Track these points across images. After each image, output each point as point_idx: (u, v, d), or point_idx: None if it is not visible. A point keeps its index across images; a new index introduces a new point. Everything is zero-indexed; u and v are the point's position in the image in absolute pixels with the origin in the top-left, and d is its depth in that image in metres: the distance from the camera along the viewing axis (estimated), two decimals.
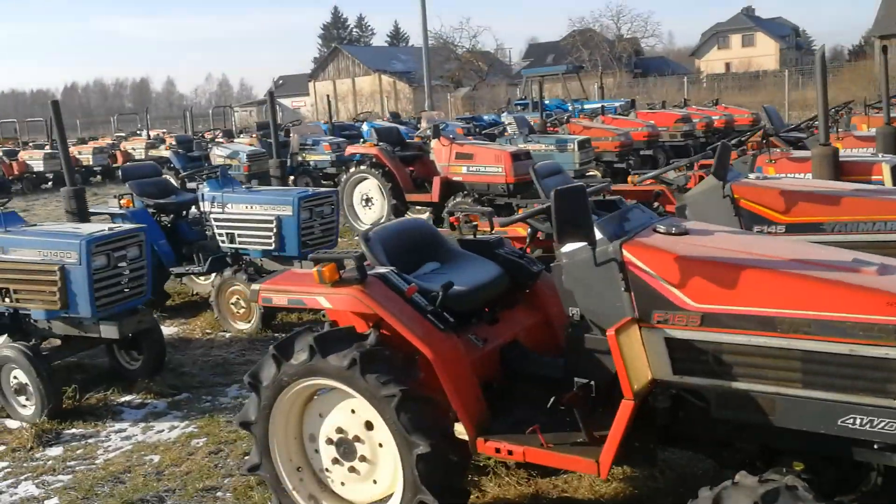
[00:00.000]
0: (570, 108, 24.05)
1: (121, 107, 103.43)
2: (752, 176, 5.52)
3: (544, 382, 3.74)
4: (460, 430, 3.50)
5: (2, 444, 5.35)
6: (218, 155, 15.87)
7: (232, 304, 7.45)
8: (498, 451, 3.37)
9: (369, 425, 3.60)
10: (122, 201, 8.07)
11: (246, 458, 4.79)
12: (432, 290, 3.66)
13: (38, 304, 5.76)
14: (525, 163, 11.18)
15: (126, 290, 5.82)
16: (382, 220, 11.87)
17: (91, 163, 24.17)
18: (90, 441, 5.32)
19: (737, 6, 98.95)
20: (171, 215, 8.38)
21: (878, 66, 40.93)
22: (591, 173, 13.01)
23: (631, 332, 3.07)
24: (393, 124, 18.07)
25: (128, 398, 5.99)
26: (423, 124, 20.90)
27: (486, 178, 11.16)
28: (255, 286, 3.87)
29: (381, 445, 3.61)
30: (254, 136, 18.58)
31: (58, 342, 6.19)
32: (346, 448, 3.69)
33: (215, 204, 7.76)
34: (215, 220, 7.78)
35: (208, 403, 5.82)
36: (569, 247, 3.32)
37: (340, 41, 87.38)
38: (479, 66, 58.55)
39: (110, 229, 5.75)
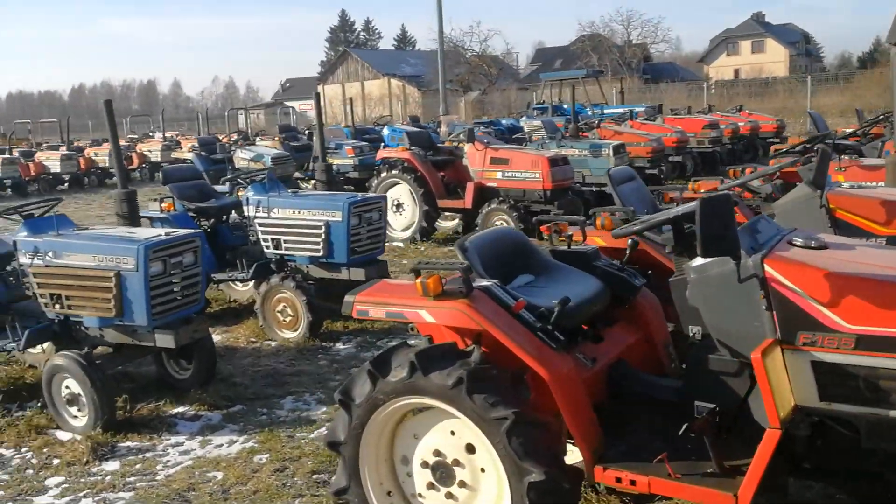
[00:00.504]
0: (589, 112, 23.85)
1: (128, 109, 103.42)
2: (845, 185, 5.31)
3: (654, 404, 3.53)
4: (570, 457, 3.29)
5: (55, 457, 5.14)
6: (242, 158, 15.74)
7: (278, 311, 7.25)
8: (618, 480, 3.15)
9: (470, 448, 3.39)
10: (163, 204, 7.88)
11: (314, 476, 4.64)
12: (538, 305, 3.45)
13: (90, 312, 5.57)
14: (563, 168, 11.01)
15: (181, 297, 5.62)
16: (414, 227, 11.68)
17: (108, 164, 23.97)
18: (147, 455, 5.11)
19: (746, 12, 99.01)
20: (212, 220, 8.18)
21: (894, 73, 40.66)
22: None
23: (774, 354, 2.86)
24: (421, 128, 17.89)
25: (180, 409, 5.78)
26: (443, 128, 20.77)
27: (523, 183, 10.97)
28: (348, 298, 3.64)
29: (482, 470, 3.39)
30: (276, 138, 18.41)
31: (108, 350, 5.97)
32: (443, 472, 3.47)
33: (260, 208, 7.57)
34: (260, 224, 7.59)
35: (265, 416, 5.61)
36: (697, 261, 3.11)
37: (348, 44, 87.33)
38: (489, 71, 58.34)
39: (167, 234, 5.54)
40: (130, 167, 24.79)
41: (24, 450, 5.29)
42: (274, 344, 7.20)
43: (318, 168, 8.29)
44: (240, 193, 8.35)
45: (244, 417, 5.61)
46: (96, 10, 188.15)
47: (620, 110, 23.27)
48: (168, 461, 5.02)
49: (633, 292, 3.91)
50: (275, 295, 7.24)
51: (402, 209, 11.90)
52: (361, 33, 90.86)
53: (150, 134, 33.82)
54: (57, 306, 5.68)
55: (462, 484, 3.43)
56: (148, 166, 25.41)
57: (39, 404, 5.87)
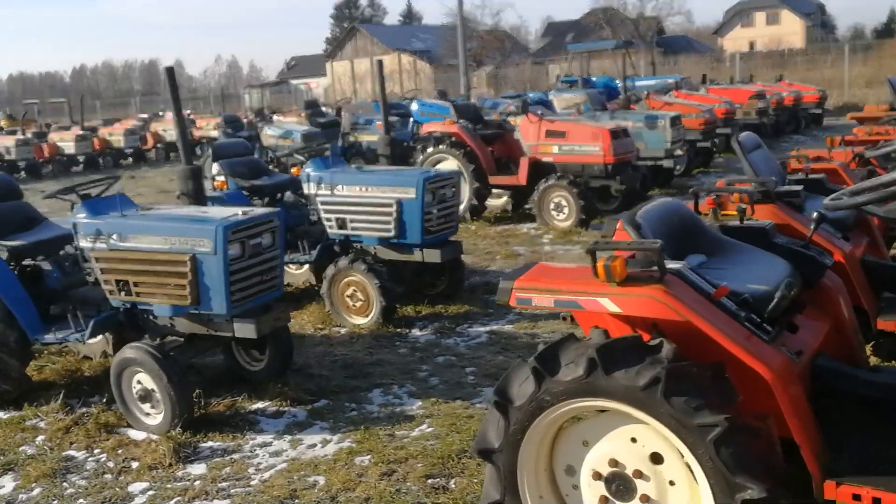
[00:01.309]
0: (619, 85, 23.18)
1: (130, 89, 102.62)
2: None
3: (863, 403, 3.02)
4: None
5: (133, 459, 4.66)
6: (270, 135, 15.19)
7: (347, 296, 6.74)
8: (857, 497, 2.64)
9: (657, 458, 2.89)
10: (215, 183, 7.36)
11: (430, 481, 4.14)
12: (738, 291, 2.93)
13: (162, 299, 5.06)
14: (624, 141, 10.46)
15: (260, 283, 5.11)
16: (463, 206, 11.12)
17: (123, 144, 23.49)
18: (234, 457, 4.62)
19: None
20: (267, 198, 7.66)
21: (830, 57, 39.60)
22: (678, 153, 12.23)
23: None
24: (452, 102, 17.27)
25: (260, 405, 5.30)
26: (475, 101, 20.13)
27: (582, 157, 10.42)
28: (504, 283, 3.12)
29: (671, 483, 2.90)
30: (302, 114, 17.83)
31: (178, 341, 5.47)
32: (620, 485, 2.97)
33: (322, 186, 7.04)
34: (322, 203, 7.07)
35: (355, 412, 5.12)
36: None
37: (352, 20, 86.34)
38: (503, 45, 57.48)
39: (244, 213, 5.02)
40: (145, 147, 24.37)
41: (96, 451, 4.82)
42: (343, 331, 6.70)
43: (382, 141, 7.75)
44: (295, 171, 7.82)
45: (332, 413, 5.12)
46: None
47: (652, 82, 22.63)
48: (259, 464, 4.53)
49: (822, 273, 3.38)
50: (343, 278, 6.73)
51: None
52: (367, 9, 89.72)
53: (161, 114, 33.23)
54: (123, 293, 5.18)
55: (645, 499, 2.93)
56: (163, 146, 24.90)
57: (105, 400, 5.43)
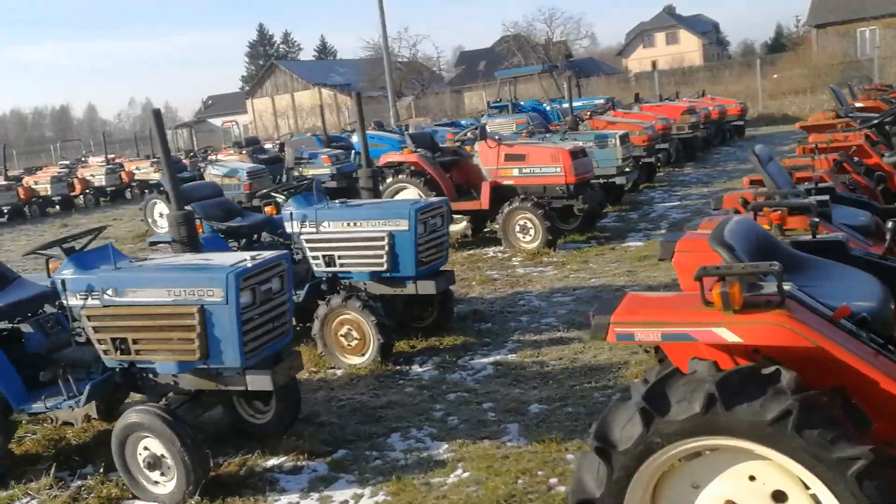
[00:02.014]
0: (548, 108, 23.43)
1: (41, 136, 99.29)
2: None
3: None
4: None
5: None
6: (214, 174, 14.73)
7: (342, 335, 6.47)
8: None
9: (779, 496, 2.74)
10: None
11: None
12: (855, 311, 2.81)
13: (166, 356, 4.71)
14: (584, 161, 10.48)
15: (271, 330, 4.81)
16: None
17: (49, 192, 22.54)
18: None
19: (658, 5, 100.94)
20: (244, 240, 7.34)
21: (816, 53, 41.39)
22: (628, 170, 12.35)
23: None
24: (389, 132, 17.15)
25: (274, 461, 4.97)
26: (410, 132, 20.02)
27: (542, 179, 10.39)
28: (599, 319, 2.92)
29: None
30: (243, 151, 17.40)
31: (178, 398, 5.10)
32: None
33: (307, 223, 6.77)
34: (308, 241, 6.80)
35: (379, 461, 4.84)
36: None
37: (268, 58, 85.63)
38: (421, 76, 57.77)
39: (252, 258, 4.72)
40: (73, 194, 23.47)
41: None
42: (340, 372, 6.42)
43: (363, 175, 7.49)
44: (269, 210, 7.52)
45: (355, 464, 4.83)
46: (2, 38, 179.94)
47: (579, 103, 22.92)
48: None
49: None
50: (336, 317, 6.46)
51: None
52: (281, 46, 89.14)
53: (84, 159, 32.13)
54: (120, 353, 4.80)
55: None
56: (92, 192, 24.03)
57: (102, 470, 5.03)
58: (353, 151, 17.89)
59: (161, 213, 15.43)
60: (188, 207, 7.25)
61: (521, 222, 10.12)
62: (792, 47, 61.80)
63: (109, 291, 4.75)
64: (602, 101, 23.29)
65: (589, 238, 10.52)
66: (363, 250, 6.56)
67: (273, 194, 7.14)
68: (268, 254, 4.86)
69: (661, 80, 47.14)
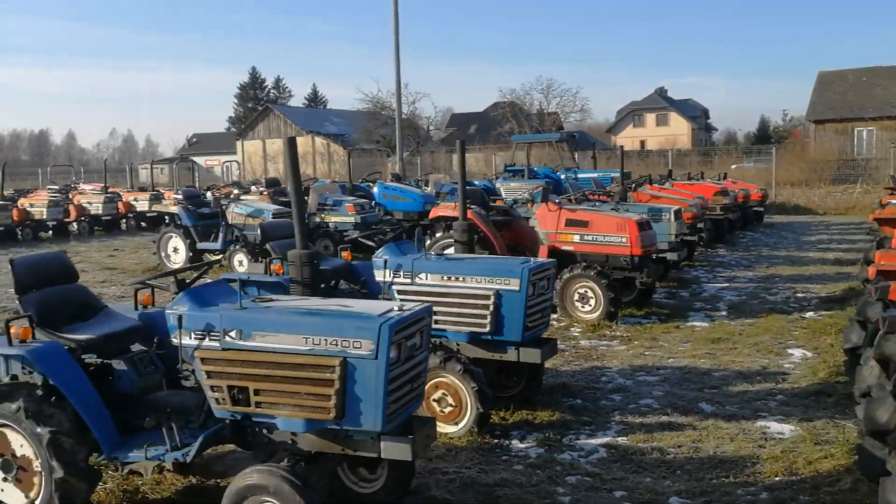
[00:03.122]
0: (562, 177, 23.29)
1: (17, 159, 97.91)
2: None
3: None
4: None
5: None
6: (238, 213, 14.19)
7: (435, 400, 5.93)
8: None
9: None
10: (273, 266, 6.47)
11: None
12: None
13: (292, 412, 4.16)
14: (649, 233, 10.14)
15: (410, 391, 4.30)
16: None
17: (45, 216, 21.78)
18: None
19: (649, 87, 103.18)
20: (323, 285, 6.80)
21: (813, 148, 42.19)
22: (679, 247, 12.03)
23: None
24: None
25: None
26: (431, 187, 19.72)
27: (606, 248, 10.00)
28: None
29: None
30: (264, 192, 16.90)
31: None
32: None
33: (401, 273, 6.28)
34: (400, 292, 6.29)
35: None
36: None
37: (258, 101, 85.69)
38: (417, 133, 57.90)
39: (400, 309, 4.23)
40: (67, 220, 22.74)
41: None
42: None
43: (459, 227, 7.04)
44: (346, 256, 7.04)
45: None
46: None
47: (595, 174, 22.79)
48: None
49: None
50: (430, 380, 5.91)
51: None
52: (272, 91, 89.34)
53: (74, 185, 31.40)
54: (236, 403, 4.25)
55: None
56: (87, 219, 23.33)
57: None
58: (374, 202, 17.50)
59: (175, 248, 14.83)
60: (268, 246, 6.78)
61: (582, 290, 9.69)
62: (778, 140, 63.22)
63: (233, 333, 4.22)
64: (616, 174, 23.25)
65: (648, 313, 10.10)
66: (464, 308, 6.08)
67: (362, 240, 6.65)
68: (414, 306, 4.36)
69: (654, 160, 47.75)
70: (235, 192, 16.96)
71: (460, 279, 6.11)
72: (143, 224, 24.58)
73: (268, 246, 6.82)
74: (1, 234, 20.77)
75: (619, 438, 5.82)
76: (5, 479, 4.49)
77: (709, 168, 35.35)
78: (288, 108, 69.73)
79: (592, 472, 5.22)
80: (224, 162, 32.73)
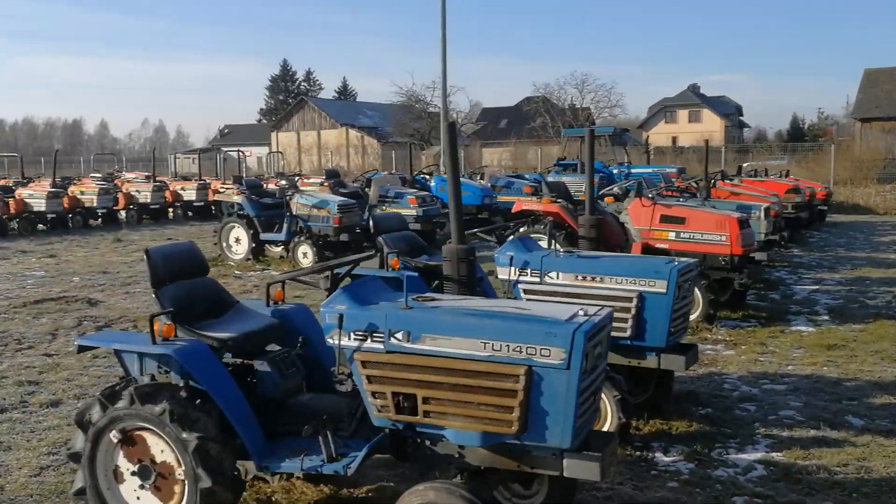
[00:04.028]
0: (615, 172, 22.82)
1: (50, 148, 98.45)
2: None
3: None
4: None
5: None
6: (302, 204, 13.83)
7: None
8: None
9: None
10: (390, 260, 6.10)
11: None
12: None
13: (466, 423, 3.76)
14: (749, 232, 9.65)
15: (592, 404, 3.90)
16: None
17: (95, 204, 21.62)
18: None
19: (682, 84, 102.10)
20: (436, 282, 6.43)
21: (859, 146, 41.48)
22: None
23: None
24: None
25: None
26: (486, 180, 19.33)
27: (704, 246, 9.52)
28: None
29: None
30: (325, 184, 16.57)
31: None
32: None
33: (529, 271, 5.89)
34: (526, 292, 5.90)
35: None
36: None
37: (288, 93, 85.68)
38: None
39: (584, 314, 3.81)
40: (116, 208, 22.58)
41: None
42: None
43: (586, 222, 6.63)
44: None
45: None
46: (11, 49, 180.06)
47: (648, 170, 22.29)
48: None
49: None
50: None
51: None
52: (303, 84, 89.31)
53: (117, 174, 31.33)
54: (400, 412, 3.86)
55: None
56: (135, 208, 23.15)
57: None
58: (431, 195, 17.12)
59: (237, 238, 14.52)
60: (380, 239, 6.40)
61: None
62: (813, 137, 62.21)
63: (399, 335, 3.83)
64: (672, 170, 22.72)
65: (745, 316, 9.63)
66: None
67: (481, 235, 6.27)
68: (598, 310, 3.95)
69: (689, 156, 47.00)
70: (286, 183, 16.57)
71: (597, 279, 5.70)
72: (189, 213, 24.38)
73: (380, 239, 6.41)
74: (52, 220, 20.63)
75: (773, 454, 5.38)
76: (142, 487, 4.15)
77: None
78: (322, 100, 69.54)
79: (760, 493, 4.79)
80: (241, 152, 32.41)
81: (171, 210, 24.43)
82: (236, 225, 14.42)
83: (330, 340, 4.01)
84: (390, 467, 4.88)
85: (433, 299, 4.12)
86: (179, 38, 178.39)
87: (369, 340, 3.90)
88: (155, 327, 4.06)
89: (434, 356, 3.77)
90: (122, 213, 22.92)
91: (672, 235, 9.71)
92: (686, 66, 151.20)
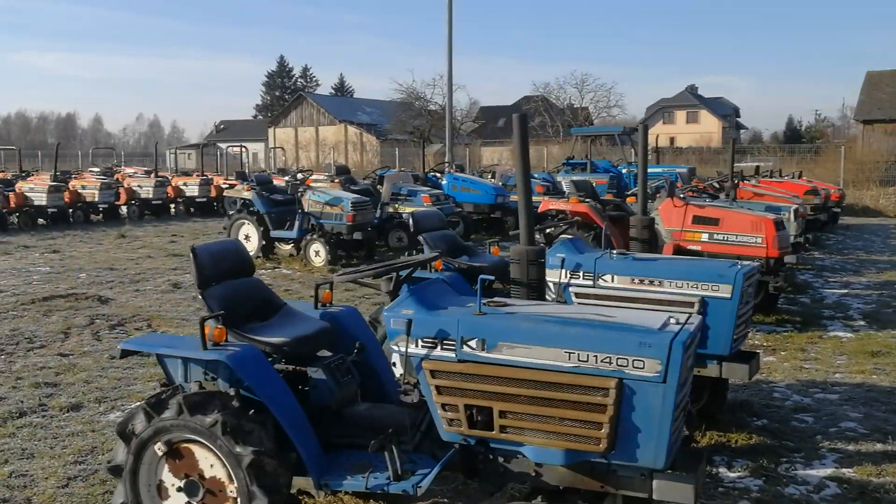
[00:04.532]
0: (625, 171, 22.51)
1: (43, 141, 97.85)
2: None
3: None
4: None
5: None
6: (315, 201, 13.50)
7: None
8: None
9: None
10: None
11: None
12: None
13: (548, 440, 3.47)
14: (784, 234, 9.37)
15: (680, 420, 3.59)
16: None
17: (96, 199, 21.25)
18: None
19: (680, 85, 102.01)
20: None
21: (861, 148, 41.36)
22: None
23: None
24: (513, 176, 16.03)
25: None
26: (497, 178, 19.04)
27: (738, 248, 9.22)
28: None
29: None
30: (336, 180, 16.23)
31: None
32: None
33: (581, 274, 5.58)
34: (578, 295, 5.60)
35: None
36: None
37: (285, 89, 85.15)
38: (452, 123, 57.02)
39: (676, 322, 3.51)
40: (117, 203, 22.22)
41: None
42: None
43: (639, 223, 6.33)
44: (494, 251, 6.35)
45: None
46: (4, 43, 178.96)
47: (658, 170, 22.02)
48: None
49: None
50: None
51: None
52: (299, 80, 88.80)
53: (117, 168, 30.96)
54: (473, 426, 3.56)
55: None
56: (137, 203, 22.79)
57: None
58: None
59: (247, 236, 14.17)
60: (421, 237, 6.11)
61: None
62: (811, 139, 62.13)
63: (473, 343, 3.53)
64: (683, 170, 22.45)
65: (779, 321, 9.34)
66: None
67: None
68: (690, 319, 3.64)
69: (688, 156, 46.74)
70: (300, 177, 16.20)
71: (656, 283, 5.40)
72: (192, 209, 24.02)
73: (421, 238, 6.10)
74: (54, 215, 20.25)
75: (844, 470, 5.09)
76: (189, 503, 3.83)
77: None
78: (321, 96, 69.07)
79: None
80: (231, 148, 32.07)
81: (172, 206, 24.06)
82: (246, 222, 14.08)
83: (394, 347, 3.71)
84: (441, 481, 4.57)
85: (505, 304, 3.81)
86: (174, 33, 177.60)
87: (439, 348, 3.60)
88: (206, 331, 3.74)
89: (512, 366, 3.47)
90: (124, 209, 22.56)
91: (705, 237, 9.43)
92: (681, 67, 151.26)
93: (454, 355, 3.56)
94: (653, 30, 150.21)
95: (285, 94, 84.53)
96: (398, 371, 4.54)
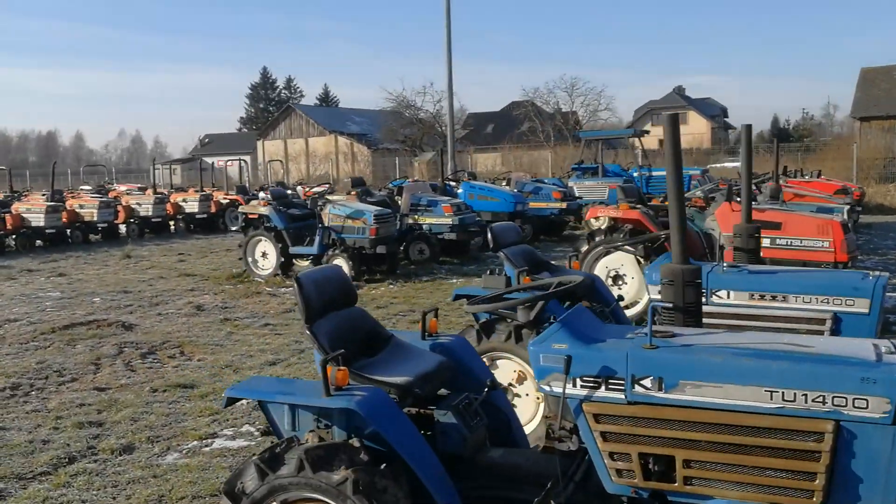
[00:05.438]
0: (636, 174, 22.09)
1: (24, 160, 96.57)
2: None
3: None
4: None
5: None
6: (335, 214, 12.96)
7: None
8: None
9: None
10: (523, 279, 5.27)
11: None
12: None
13: (744, 493, 2.96)
14: (851, 237, 8.91)
15: None
16: (641, 305, 9.24)
17: (95, 218, 20.59)
18: None
19: (668, 86, 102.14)
20: (567, 303, 5.59)
21: (858, 146, 41.30)
22: None
23: None
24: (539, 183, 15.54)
25: None
26: (512, 185, 18.57)
27: (804, 253, 8.78)
28: None
29: None
30: (352, 192, 15.69)
31: None
32: None
33: None
34: None
35: None
36: None
37: (269, 101, 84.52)
38: (443, 132, 56.60)
39: (890, 350, 3.01)
40: (116, 222, 21.57)
41: None
42: None
43: (743, 231, 5.83)
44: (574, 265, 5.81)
45: None
46: None
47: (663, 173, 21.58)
48: None
49: None
50: None
51: (622, 282, 9.43)
52: (283, 91, 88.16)
53: (109, 185, 30.27)
54: (649, 477, 3.04)
55: None
56: (136, 221, 22.14)
57: None
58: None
59: (264, 253, 13.60)
60: (501, 253, 5.59)
61: None
62: (799, 138, 62.11)
63: (646, 381, 3.01)
64: (697, 172, 22.05)
65: None
66: (790, 334, 4.85)
67: (627, 248, 5.44)
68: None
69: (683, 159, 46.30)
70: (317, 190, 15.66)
71: (779, 298, 4.91)
72: (192, 226, 23.39)
73: (502, 254, 5.57)
74: (52, 236, 19.58)
75: None
76: None
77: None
78: (309, 107, 68.44)
79: None
80: (228, 163, 31.48)
81: (172, 223, 23.42)
82: (263, 238, 13.50)
83: (545, 387, 3.19)
84: None
85: (673, 335, 3.29)
86: (154, 48, 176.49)
87: (603, 388, 3.08)
88: (328, 374, 3.20)
89: (698, 408, 2.95)
90: (123, 228, 21.91)
91: (767, 242, 8.92)
92: (666, 67, 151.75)
93: (623, 396, 3.05)
94: (638, 31, 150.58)
95: (269, 105, 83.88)
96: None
